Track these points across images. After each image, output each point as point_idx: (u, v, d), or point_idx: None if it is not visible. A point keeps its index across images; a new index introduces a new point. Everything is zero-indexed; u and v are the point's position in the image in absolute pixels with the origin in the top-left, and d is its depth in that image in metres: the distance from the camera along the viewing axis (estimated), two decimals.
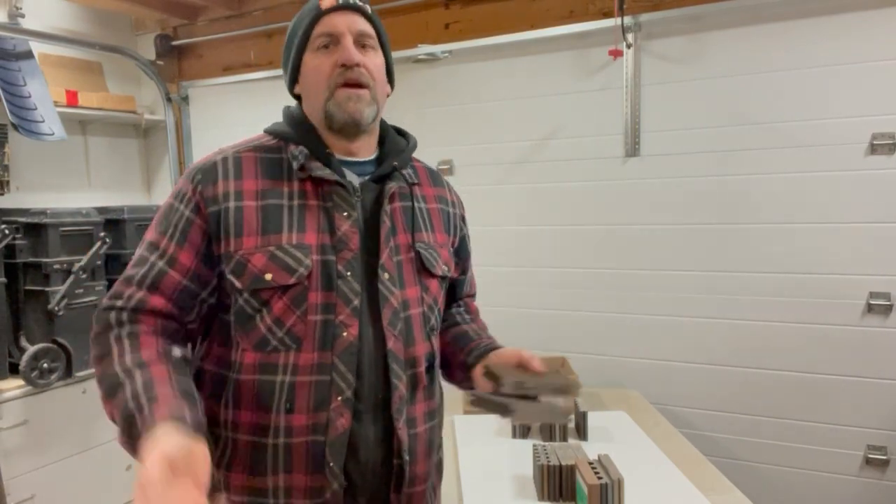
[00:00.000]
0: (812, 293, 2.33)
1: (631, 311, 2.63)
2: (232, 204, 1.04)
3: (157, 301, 1.03)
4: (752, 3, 2.33)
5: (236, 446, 1.04)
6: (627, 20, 2.47)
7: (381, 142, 1.20)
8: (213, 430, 1.06)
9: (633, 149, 2.57)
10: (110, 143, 3.49)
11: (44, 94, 2.89)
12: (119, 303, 1.03)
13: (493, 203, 2.83)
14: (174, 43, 3.49)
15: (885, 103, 2.20)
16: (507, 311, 2.79)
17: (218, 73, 3.43)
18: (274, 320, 1.02)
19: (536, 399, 1.05)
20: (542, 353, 2.60)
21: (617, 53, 2.46)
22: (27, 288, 2.60)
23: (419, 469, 1.09)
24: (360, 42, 1.10)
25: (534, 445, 1.71)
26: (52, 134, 2.84)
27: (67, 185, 3.26)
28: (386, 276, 1.07)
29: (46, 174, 3.15)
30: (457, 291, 1.32)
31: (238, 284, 1.03)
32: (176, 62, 3.55)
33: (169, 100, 3.49)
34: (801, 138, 2.32)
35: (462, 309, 1.34)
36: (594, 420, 2.08)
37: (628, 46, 2.52)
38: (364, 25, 1.11)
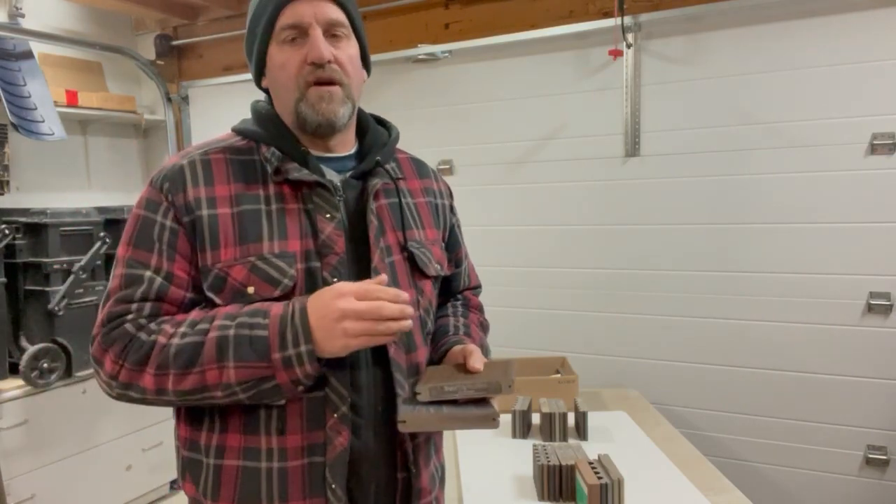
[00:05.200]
0: (812, 293, 2.33)
1: (631, 311, 2.63)
2: (205, 212, 0.96)
3: (170, 309, 0.96)
4: (752, 3, 2.33)
5: (222, 473, 0.96)
6: (627, 20, 2.47)
7: (362, 133, 1.12)
8: (194, 457, 1.00)
9: (633, 149, 2.57)
10: (110, 143, 3.49)
11: (44, 94, 2.89)
12: (130, 316, 0.93)
13: (493, 203, 2.82)
14: (174, 43, 3.49)
15: (885, 103, 2.20)
16: (508, 311, 2.78)
17: (218, 73, 3.43)
18: None
19: (460, 404, 0.95)
20: (542, 353, 2.63)
21: (617, 53, 2.46)
22: (27, 288, 2.60)
23: (424, 480, 1.05)
24: (331, 32, 1.00)
25: (534, 445, 1.71)
26: (52, 134, 2.84)
27: (67, 185, 3.26)
28: None
29: (46, 174, 3.15)
30: (452, 286, 1.24)
31: (218, 301, 0.95)
32: (176, 62, 3.55)
33: (169, 100, 3.48)
34: (801, 138, 2.32)
35: (459, 302, 1.26)
36: (594, 420, 2.08)
37: (628, 46, 2.52)
38: (334, 12, 1.01)
